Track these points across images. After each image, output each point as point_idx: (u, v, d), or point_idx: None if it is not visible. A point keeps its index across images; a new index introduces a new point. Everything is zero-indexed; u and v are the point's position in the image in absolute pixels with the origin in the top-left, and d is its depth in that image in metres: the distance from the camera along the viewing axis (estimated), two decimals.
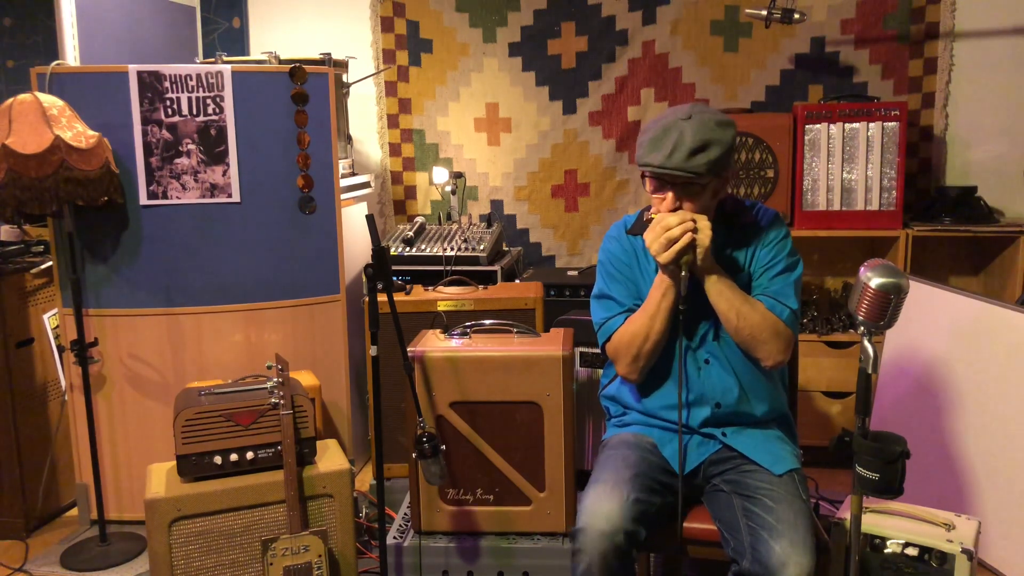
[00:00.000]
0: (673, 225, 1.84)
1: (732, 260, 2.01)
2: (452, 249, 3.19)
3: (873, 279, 1.52)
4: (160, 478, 2.26)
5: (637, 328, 1.97)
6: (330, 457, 2.37)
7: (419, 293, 2.95)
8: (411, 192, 3.92)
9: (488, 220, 3.49)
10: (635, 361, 1.99)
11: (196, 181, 2.81)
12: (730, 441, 1.97)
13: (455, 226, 3.43)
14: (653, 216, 1.91)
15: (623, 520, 1.77)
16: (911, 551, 1.92)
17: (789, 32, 3.52)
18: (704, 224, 1.85)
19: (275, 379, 2.20)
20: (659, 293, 1.93)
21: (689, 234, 1.83)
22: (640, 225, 2.05)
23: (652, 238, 1.87)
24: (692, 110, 1.88)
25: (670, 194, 1.89)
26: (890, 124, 3.16)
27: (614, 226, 2.15)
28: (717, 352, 1.99)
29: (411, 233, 3.29)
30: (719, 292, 1.91)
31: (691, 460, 1.98)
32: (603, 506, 1.80)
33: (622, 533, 1.76)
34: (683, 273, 1.86)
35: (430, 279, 3.08)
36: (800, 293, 2.00)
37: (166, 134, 2.78)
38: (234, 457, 2.24)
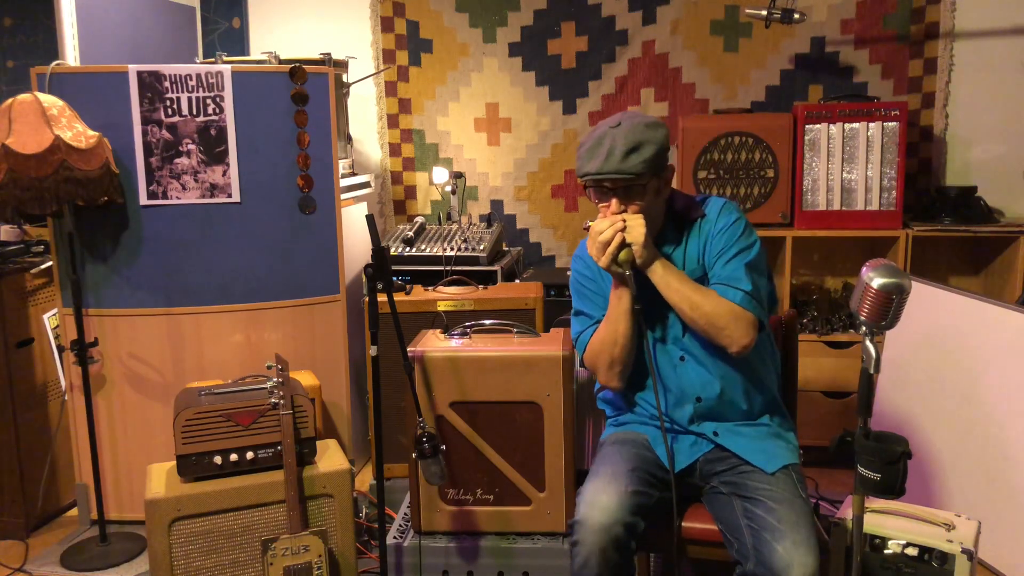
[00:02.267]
0: (604, 229, 1.88)
1: (687, 257, 2.02)
2: (452, 249, 3.19)
3: (875, 279, 1.52)
4: (160, 478, 2.26)
5: (604, 335, 2.00)
6: (330, 457, 2.37)
7: (419, 293, 2.94)
8: (411, 192, 3.92)
9: (488, 220, 3.49)
10: (611, 367, 2.00)
11: (196, 181, 2.81)
12: (722, 441, 1.97)
13: (455, 226, 3.43)
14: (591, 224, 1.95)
15: (621, 512, 1.78)
16: (911, 551, 1.92)
17: (789, 32, 3.52)
18: (635, 222, 1.88)
19: (275, 379, 2.20)
20: (616, 298, 1.96)
21: (620, 234, 1.87)
22: None
23: (589, 245, 1.92)
24: (622, 118, 1.92)
25: (614, 200, 1.92)
26: (890, 124, 3.16)
27: (580, 245, 2.17)
28: (689, 347, 1.99)
29: (411, 233, 3.29)
30: (666, 284, 1.92)
31: (685, 458, 1.98)
32: (601, 498, 1.81)
33: (620, 525, 1.77)
34: (627, 272, 1.89)
35: (430, 279, 3.08)
36: (762, 273, 1.97)
37: (166, 134, 2.78)
38: (234, 457, 2.24)
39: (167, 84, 2.75)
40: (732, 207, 2.03)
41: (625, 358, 1.98)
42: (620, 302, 1.95)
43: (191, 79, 2.76)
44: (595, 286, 2.09)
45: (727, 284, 1.93)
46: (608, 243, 1.87)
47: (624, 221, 1.88)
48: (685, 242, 2.03)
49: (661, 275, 1.92)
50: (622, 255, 1.88)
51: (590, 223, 1.95)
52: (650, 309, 1.94)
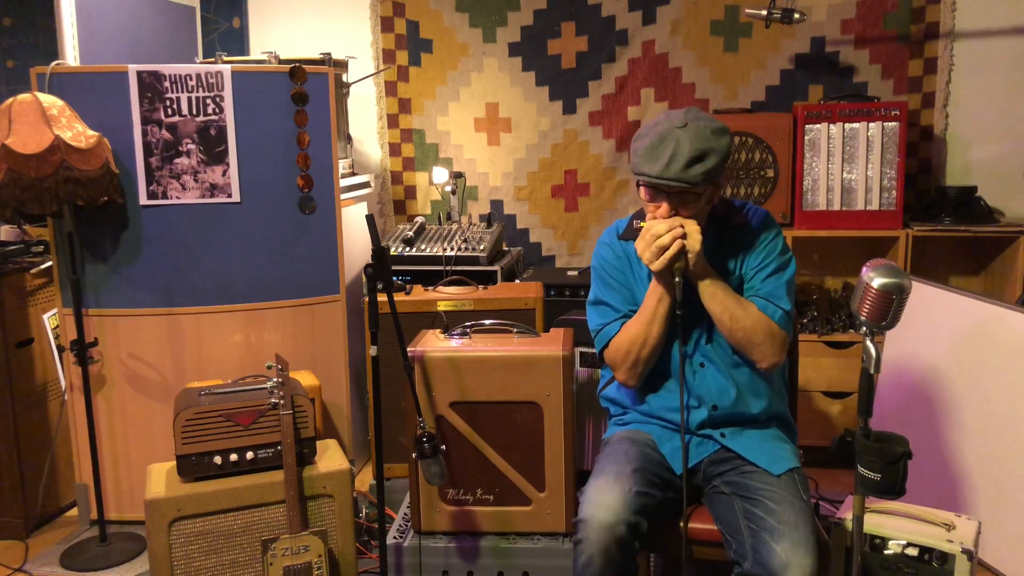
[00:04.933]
0: (663, 233, 1.84)
1: (724, 262, 2.01)
2: (452, 249, 3.19)
3: (875, 279, 1.53)
4: (160, 478, 2.26)
5: (635, 334, 1.97)
6: (330, 457, 2.37)
7: (419, 293, 2.94)
8: (411, 192, 3.92)
9: (488, 220, 3.49)
10: (634, 367, 1.99)
11: (196, 181, 2.81)
12: (728, 443, 1.97)
13: (455, 226, 3.43)
14: (643, 224, 1.91)
15: (625, 511, 1.78)
16: (911, 551, 1.92)
17: (789, 32, 3.52)
18: (693, 229, 1.86)
19: (275, 379, 2.20)
20: (655, 299, 1.94)
21: (679, 241, 1.84)
22: (631, 231, 2.05)
23: (643, 247, 1.88)
24: (687, 117, 1.87)
25: (665, 204, 1.89)
26: (890, 124, 3.16)
27: (606, 232, 2.16)
28: (712, 355, 1.99)
29: (411, 233, 3.29)
30: (712, 295, 1.91)
31: (690, 458, 1.98)
32: (605, 497, 1.80)
33: (624, 524, 1.77)
34: (676, 279, 1.87)
35: (430, 279, 3.08)
36: (793, 292, 2.00)
37: (166, 134, 2.78)
38: (234, 457, 2.24)
39: (167, 84, 2.75)
40: (773, 220, 2.04)
41: (651, 359, 1.98)
42: (660, 305, 1.93)
43: (191, 79, 2.76)
44: (623, 278, 2.07)
45: (768, 300, 1.94)
46: (665, 248, 1.84)
47: (682, 227, 1.85)
48: (723, 247, 2.01)
49: (708, 286, 1.91)
50: (677, 263, 1.86)
51: (641, 223, 1.92)
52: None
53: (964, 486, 2.55)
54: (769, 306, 1.93)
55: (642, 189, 1.93)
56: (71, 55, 3.00)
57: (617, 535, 1.76)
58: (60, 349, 2.94)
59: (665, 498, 1.91)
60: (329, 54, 3.27)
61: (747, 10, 3.20)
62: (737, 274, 2.00)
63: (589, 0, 3.66)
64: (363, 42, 3.79)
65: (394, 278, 2.40)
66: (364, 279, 2.47)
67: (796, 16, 3.08)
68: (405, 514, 2.57)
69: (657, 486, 1.90)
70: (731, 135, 1.90)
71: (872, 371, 1.55)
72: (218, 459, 2.23)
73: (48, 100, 2.54)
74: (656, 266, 1.86)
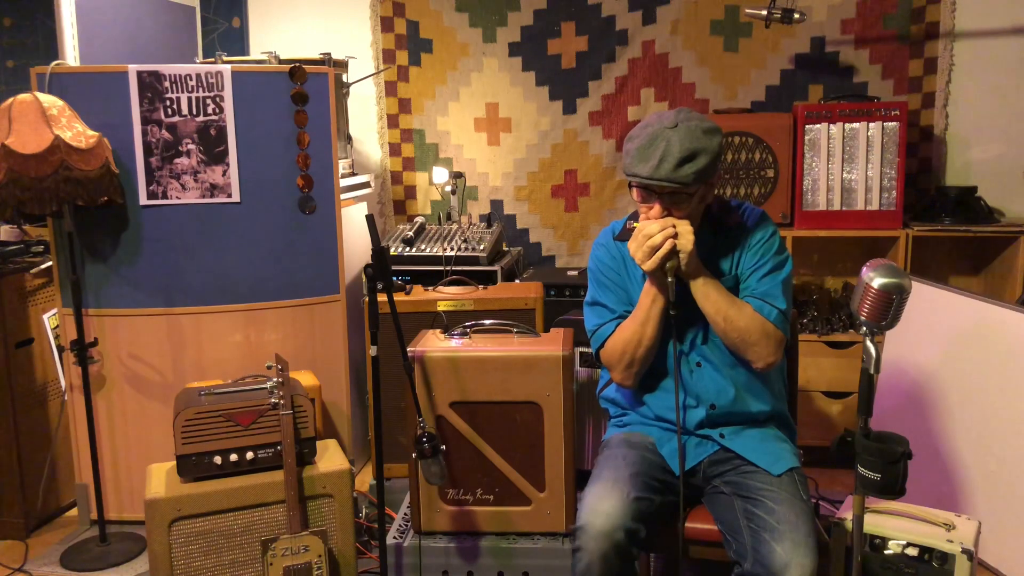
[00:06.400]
0: (654, 233, 1.85)
1: (720, 262, 2.01)
2: (452, 249, 3.19)
3: (875, 279, 1.53)
4: (160, 478, 2.26)
5: (629, 335, 1.98)
6: (330, 457, 2.37)
7: (419, 293, 2.95)
8: (411, 192, 3.92)
9: (488, 220, 3.49)
10: (629, 367, 1.99)
11: (196, 181, 2.81)
12: (728, 443, 1.97)
13: (455, 226, 3.43)
14: (636, 225, 1.92)
15: (623, 518, 1.78)
16: (911, 551, 1.92)
17: (789, 32, 3.52)
18: (685, 229, 1.85)
19: (275, 379, 2.20)
20: (648, 299, 1.94)
21: (670, 240, 1.84)
22: (626, 232, 2.06)
23: (635, 247, 1.88)
24: (678, 117, 1.87)
25: (657, 205, 1.89)
26: (890, 124, 3.16)
27: (602, 233, 2.16)
28: (708, 355, 1.99)
29: (411, 233, 3.29)
30: (705, 295, 1.91)
31: (690, 459, 1.98)
32: (603, 504, 1.80)
33: (622, 531, 1.76)
34: (669, 279, 1.87)
35: (430, 279, 3.08)
36: (790, 292, 1.99)
37: (166, 134, 2.78)
38: (234, 457, 2.24)
39: (167, 84, 2.75)
40: (769, 219, 2.03)
41: (646, 359, 1.98)
42: (653, 305, 1.93)
43: (191, 79, 2.76)
44: (618, 279, 2.07)
45: (763, 300, 1.93)
46: (657, 248, 1.84)
47: (674, 227, 1.85)
48: (718, 247, 2.01)
49: (702, 286, 1.91)
50: (669, 263, 1.86)
51: (635, 224, 1.93)
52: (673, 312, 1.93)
53: (964, 486, 2.55)
54: (764, 306, 1.93)
55: (635, 190, 1.94)
56: (71, 55, 3.00)
57: (616, 542, 1.76)
58: (60, 349, 2.94)
59: (664, 501, 1.90)
60: (329, 54, 3.27)
61: (747, 10, 3.20)
62: (733, 274, 2.00)
63: (589, 0, 3.66)
64: (363, 42, 3.79)
65: (394, 278, 2.40)
66: (364, 279, 2.47)
67: (796, 16, 3.08)
68: (405, 514, 2.57)
69: (656, 490, 1.89)
70: (723, 135, 1.90)
71: (872, 371, 1.55)
72: (218, 459, 2.23)
73: (48, 100, 2.55)
74: (648, 266, 1.86)
